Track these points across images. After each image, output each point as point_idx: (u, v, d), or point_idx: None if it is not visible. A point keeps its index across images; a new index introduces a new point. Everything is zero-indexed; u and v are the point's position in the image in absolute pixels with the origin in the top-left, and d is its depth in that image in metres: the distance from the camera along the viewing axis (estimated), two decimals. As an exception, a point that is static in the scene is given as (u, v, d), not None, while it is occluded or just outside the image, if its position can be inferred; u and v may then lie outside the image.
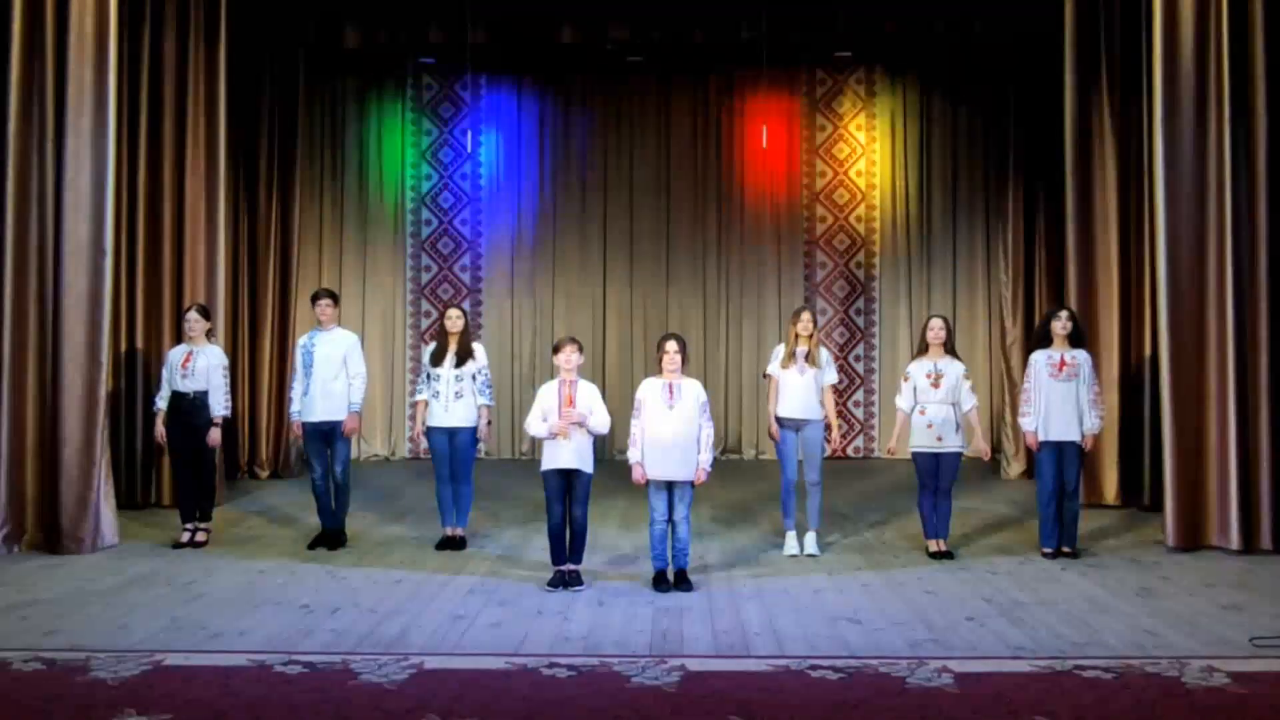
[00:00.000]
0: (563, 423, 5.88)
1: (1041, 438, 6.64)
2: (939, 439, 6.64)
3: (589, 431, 5.93)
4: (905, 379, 6.82)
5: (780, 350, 6.95)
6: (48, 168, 6.82)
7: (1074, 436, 6.63)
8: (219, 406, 6.99)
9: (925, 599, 5.69)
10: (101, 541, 6.82)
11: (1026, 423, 6.71)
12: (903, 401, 6.78)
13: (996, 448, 11.04)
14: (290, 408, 7.09)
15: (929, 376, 6.69)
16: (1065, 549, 6.65)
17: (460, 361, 6.92)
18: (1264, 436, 6.77)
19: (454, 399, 6.88)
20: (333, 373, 6.92)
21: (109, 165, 6.88)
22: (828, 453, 6.98)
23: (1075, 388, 6.63)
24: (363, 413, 7.27)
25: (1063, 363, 6.66)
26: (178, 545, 6.93)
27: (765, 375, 7.06)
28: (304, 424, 6.95)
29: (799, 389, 6.80)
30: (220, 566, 6.42)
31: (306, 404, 6.92)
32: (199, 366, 6.96)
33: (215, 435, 7.00)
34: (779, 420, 6.85)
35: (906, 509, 7.98)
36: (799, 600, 5.66)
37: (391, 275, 11.89)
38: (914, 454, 6.73)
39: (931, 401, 6.67)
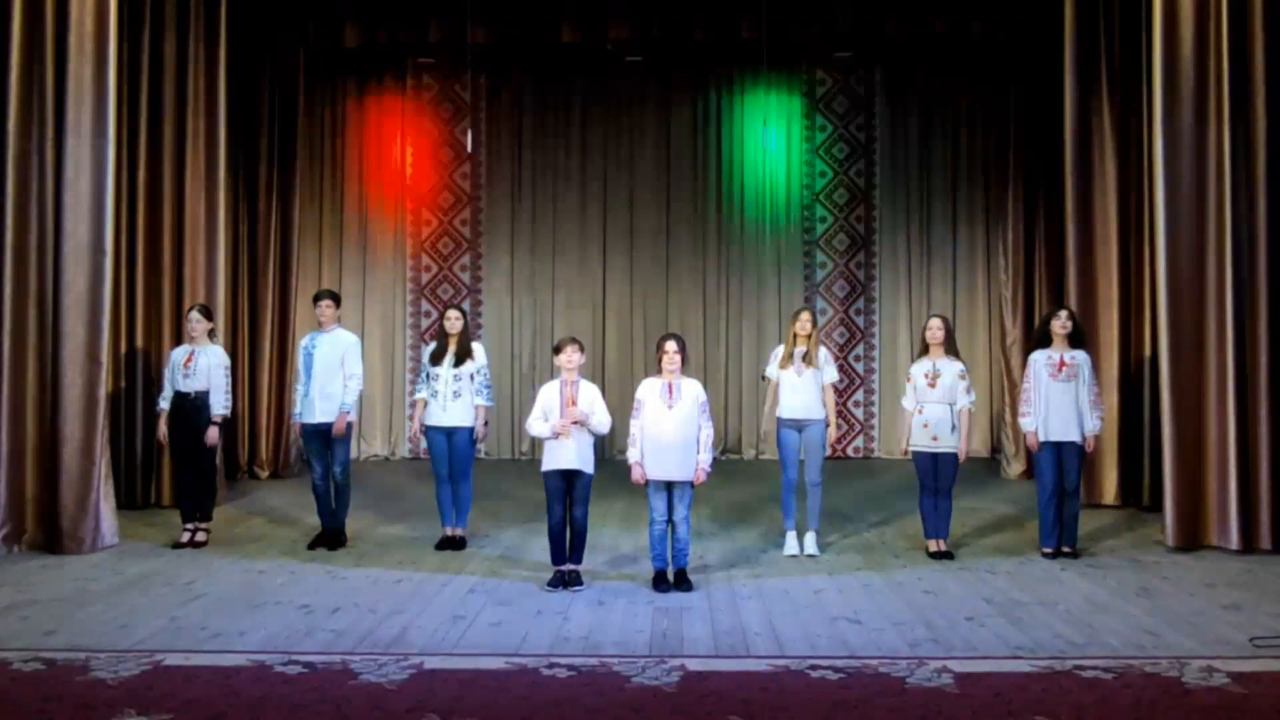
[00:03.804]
0: (564, 422, 5.88)
1: (1041, 438, 6.66)
2: (934, 439, 6.65)
3: (590, 432, 5.94)
4: (908, 379, 6.87)
5: (779, 351, 6.97)
6: (48, 168, 6.83)
7: (1073, 437, 6.63)
8: (219, 405, 6.98)
9: (925, 599, 5.69)
10: (101, 541, 6.82)
11: (1026, 423, 6.73)
12: (908, 402, 6.81)
13: (997, 448, 11.07)
14: (293, 409, 7.08)
15: (926, 376, 6.71)
16: (1065, 549, 6.66)
17: (459, 361, 6.91)
18: (1264, 436, 6.77)
19: (452, 398, 6.87)
20: (332, 374, 6.92)
21: (109, 165, 6.88)
22: (828, 452, 6.99)
23: (1075, 388, 6.64)
24: (353, 414, 7.13)
25: (1062, 363, 6.66)
26: (178, 545, 6.94)
27: (764, 378, 7.07)
28: (303, 425, 6.99)
29: (798, 389, 6.81)
30: (220, 566, 6.42)
31: (306, 405, 6.94)
32: (200, 366, 6.96)
33: (213, 434, 6.99)
34: (780, 421, 6.87)
35: (906, 509, 7.99)
36: (799, 600, 5.66)
37: (391, 275, 11.90)
38: (913, 453, 6.76)
39: (929, 401, 6.68)
